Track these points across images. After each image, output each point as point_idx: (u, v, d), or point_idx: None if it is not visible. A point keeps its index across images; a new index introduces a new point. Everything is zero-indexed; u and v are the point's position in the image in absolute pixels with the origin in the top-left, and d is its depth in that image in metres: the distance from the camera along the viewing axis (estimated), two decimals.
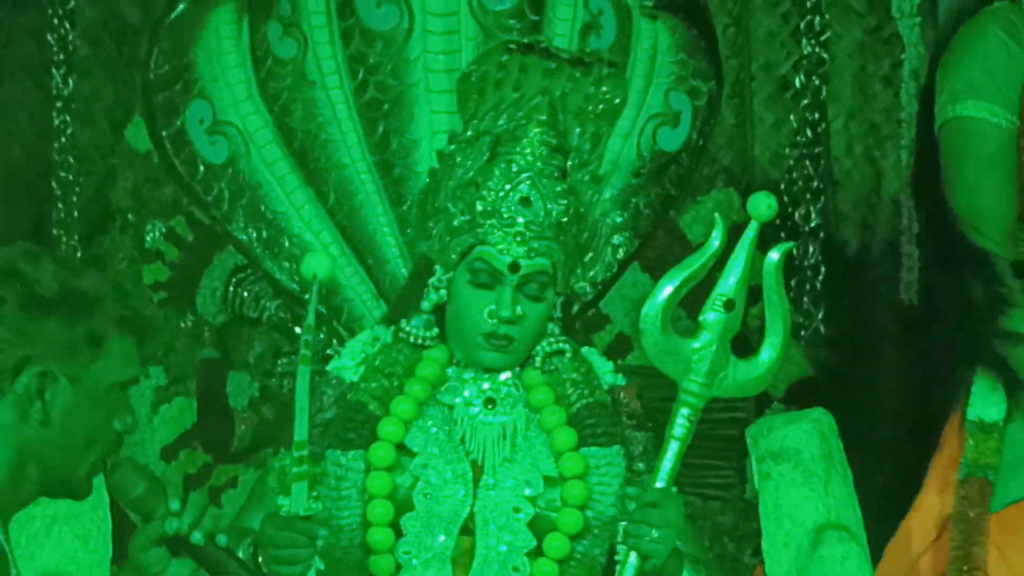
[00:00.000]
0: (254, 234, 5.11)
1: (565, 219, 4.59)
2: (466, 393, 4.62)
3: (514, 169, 4.57)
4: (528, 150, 4.59)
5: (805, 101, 5.86)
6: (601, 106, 4.73)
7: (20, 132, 6.15)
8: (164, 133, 5.06)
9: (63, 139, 5.75)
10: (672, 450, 4.45)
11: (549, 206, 4.56)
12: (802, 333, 5.77)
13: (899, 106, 5.83)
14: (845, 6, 5.99)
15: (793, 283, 5.79)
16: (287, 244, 5.08)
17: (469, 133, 4.64)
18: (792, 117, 5.94)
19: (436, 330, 4.65)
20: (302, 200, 5.11)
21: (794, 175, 5.86)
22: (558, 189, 4.58)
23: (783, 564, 4.84)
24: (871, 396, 5.75)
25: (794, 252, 5.75)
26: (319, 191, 5.12)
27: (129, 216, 5.87)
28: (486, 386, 4.61)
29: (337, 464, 4.54)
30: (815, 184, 5.82)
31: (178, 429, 5.83)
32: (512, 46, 4.70)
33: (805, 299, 5.82)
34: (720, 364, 4.50)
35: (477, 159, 4.60)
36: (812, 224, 5.73)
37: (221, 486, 5.80)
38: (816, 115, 5.88)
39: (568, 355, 4.68)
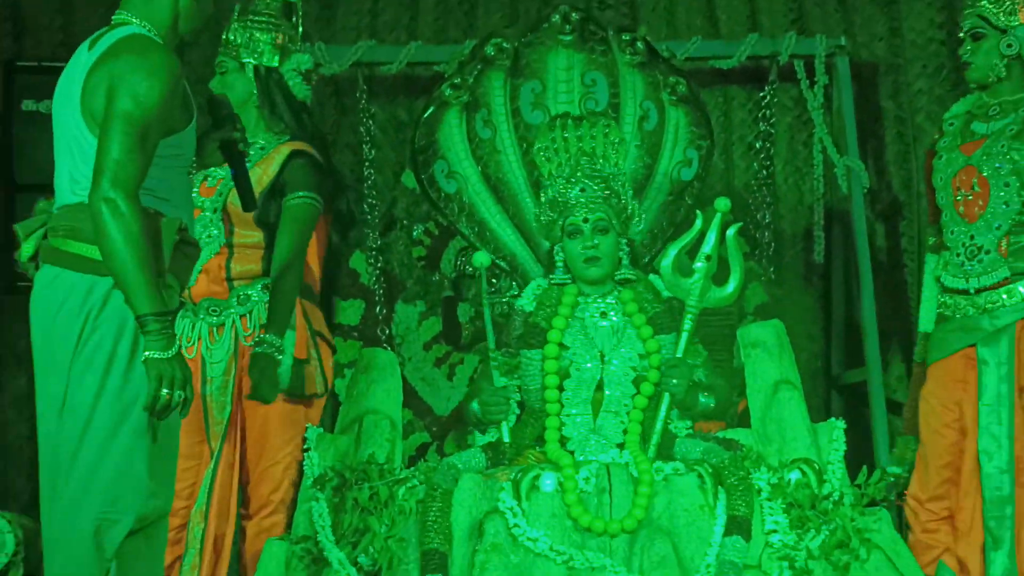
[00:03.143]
0: (471, 231, 5.00)
1: (605, 195, 4.54)
2: (589, 310, 4.57)
3: (571, 182, 4.55)
4: (580, 171, 4.57)
5: (762, 156, 5.89)
6: (612, 142, 4.67)
7: (345, 178, 5.92)
8: (423, 177, 4.98)
9: (369, 181, 5.77)
10: (683, 337, 4.45)
11: (592, 191, 4.53)
12: (762, 278, 5.74)
13: (811, 158, 5.85)
14: (782, 104, 5.95)
15: (756, 252, 5.78)
16: (487, 235, 4.96)
17: (550, 178, 4.65)
18: (755, 164, 5.97)
19: (569, 276, 4.60)
20: (495, 212, 5.00)
21: (756, 195, 5.87)
22: (596, 184, 4.54)
23: (757, 401, 4.73)
24: (800, 313, 5.80)
25: (755, 235, 5.79)
26: (504, 207, 5.01)
27: (404, 221, 5.94)
28: (601, 306, 4.57)
29: (526, 357, 4.54)
30: (768, 199, 5.84)
31: (432, 333, 5.89)
32: (547, 122, 4.75)
33: (764, 260, 5.82)
34: (705, 290, 4.46)
35: (557, 187, 4.59)
36: (766, 220, 5.81)
37: (455, 363, 5.84)
38: (768, 163, 5.89)
39: (641, 284, 4.61)
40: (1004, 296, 4.59)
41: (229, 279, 4.62)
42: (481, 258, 4.63)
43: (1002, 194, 4.57)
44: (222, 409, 4.46)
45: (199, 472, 4.50)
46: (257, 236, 4.64)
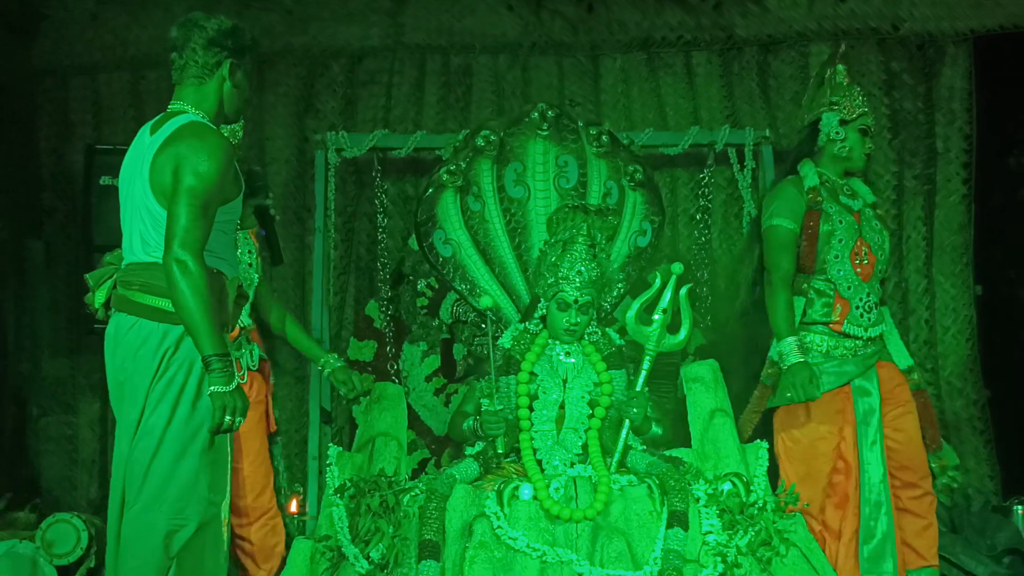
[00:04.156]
0: (463, 286, 4.99)
1: (595, 276, 4.61)
2: (556, 350, 4.67)
3: (573, 257, 4.61)
4: (578, 249, 4.63)
5: (701, 225, 5.85)
6: (610, 226, 4.82)
7: (363, 239, 6.09)
8: (424, 244, 5.01)
9: (382, 245, 5.66)
10: (642, 375, 4.57)
11: (589, 273, 4.61)
12: (701, 325, 5.59)
13: (741, 227, 5.79)
14: (717, 184, 5.94)
15: (696, 303, 5.60)
16: (477, 290, 4.94)
17: (553, 240, 4.71)
18: (695, 232, 5.93)
19: (543, 325, 4.71)
20: (484, 271, 5.00)
21: (696, 257, 5.82)
22: (592, 265, 4.62)
23: (696, 426, 4.81)
24: (732, 354, 5.67)
25: (695, 290, 5.61)
26: (491, 267, 5.01)
27: (411, 276, 5.84)
28: (565, 347, 4.66)
29: (505, 383, 4.65)
30: (705, 261, 5.77)
31: (432, 368, 5.74)
32: (569, 205, 4.79)
33: (702, 310, 5.69)
34: (661, 336, 4.59)
35: (556, 252, 4.64)
36: (704, 278, 5.70)
37: (451, 392, 5.70)
38: (706, 231, 5.87)
39: (599, 334, 4.71)
40: (877, 341, 4.73)
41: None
42: (486, 301, 4.70)
43: (880, 260, 4.74)
44: None
45: None
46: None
